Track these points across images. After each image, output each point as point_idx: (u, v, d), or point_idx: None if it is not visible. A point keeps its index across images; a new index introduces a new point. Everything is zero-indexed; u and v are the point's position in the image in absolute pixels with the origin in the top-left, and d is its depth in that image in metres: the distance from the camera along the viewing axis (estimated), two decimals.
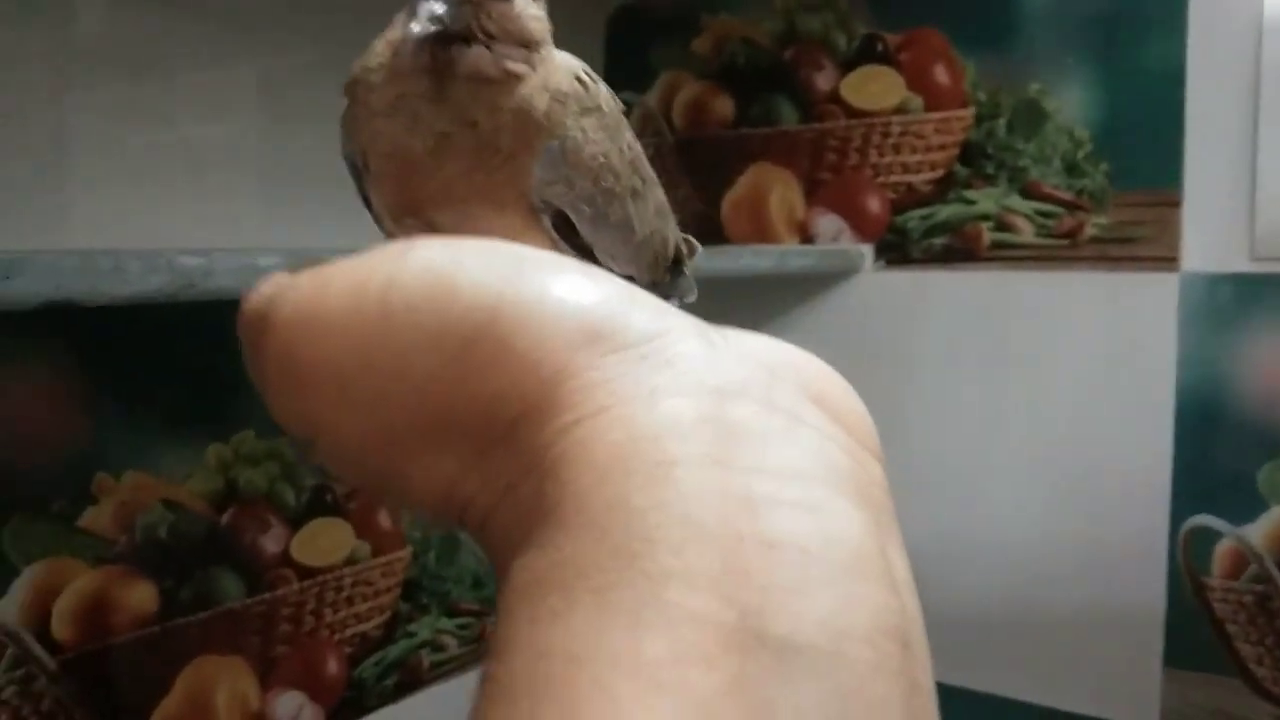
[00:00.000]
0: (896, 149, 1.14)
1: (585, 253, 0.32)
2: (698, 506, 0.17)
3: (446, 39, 0.30)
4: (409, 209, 0.31)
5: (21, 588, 0.83)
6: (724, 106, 1.27)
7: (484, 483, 0.21)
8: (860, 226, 1.18)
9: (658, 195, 0.34)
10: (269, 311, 0.24)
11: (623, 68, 1.38)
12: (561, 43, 1.25)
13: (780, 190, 1.23)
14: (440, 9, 0.29)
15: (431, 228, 0.31)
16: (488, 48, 0.30)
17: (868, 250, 1.17)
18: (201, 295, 0.51)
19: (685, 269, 0.38)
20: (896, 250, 1.15)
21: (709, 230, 1.30)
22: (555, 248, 0.31)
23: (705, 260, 0.96)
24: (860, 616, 0.17)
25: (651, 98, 1.34)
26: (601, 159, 0.31)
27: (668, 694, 0.15)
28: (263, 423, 0.96)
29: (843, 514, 0.19)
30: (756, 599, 0.16)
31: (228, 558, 0.95)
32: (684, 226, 1.28)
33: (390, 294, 0.22)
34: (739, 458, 0.18)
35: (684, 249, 0.36)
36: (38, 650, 0.84)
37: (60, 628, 0.85)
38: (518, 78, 0.30)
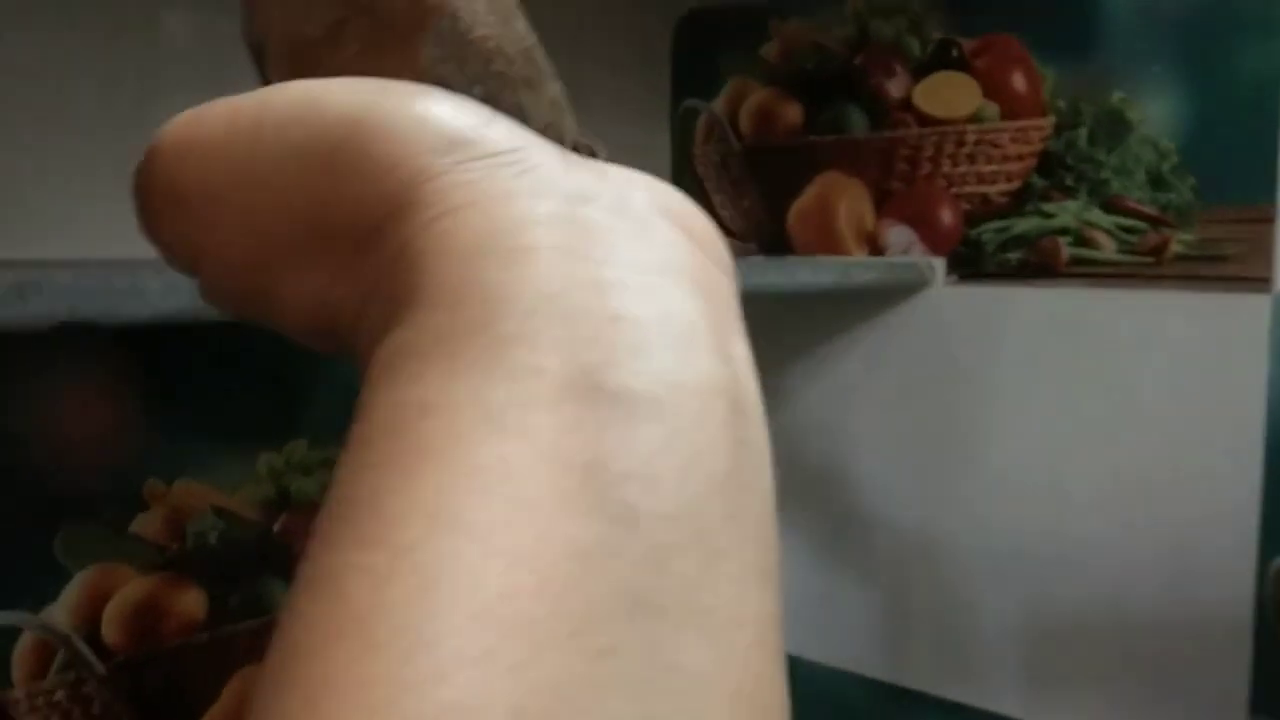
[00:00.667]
0: (971, 159, 1.10)
1: None
2: (548, 284, 0.19)
3: None
4: None
5: (72, 592, 0.84)
6: (792, 113, 1.24)
7: (352, 286, 0.22)
8: (932, 239, 1.13)
9: (553, 89, 0.33)
10: (152, 151, 0.25)
11: (690, 74, 1.35)
12: (628, 48, 1.24)
13: (849, 200, 1.19)
14: None
15: None
16: None
17: (939, 264, 1.12)
18: (225, 316, 0.49)
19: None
20: (970, 264, 1.10)
21: (775, 240, 1.26)
22: None
23: (775, 273, 0.93)
24: (691, 375, 0.19)
25: (718, 104, 1.31)
26: (492, 42, 0.30)
27: (511, 434, 0.17)
28: (316, 431, 0.95)
29: (682, 298, 0.20)
30: (597, 357, 0.18)
31: (279, 566, 0.95)
32: (749, 236, 1.26)
33: (262, 116, 0.23)
34: (590, 250, 0.20)
35: (587, 148, 0.31)
36: (88, 654, 0.85)
37: (110, 633, 0.86)
38: None
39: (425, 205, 0.21)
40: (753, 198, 1.28)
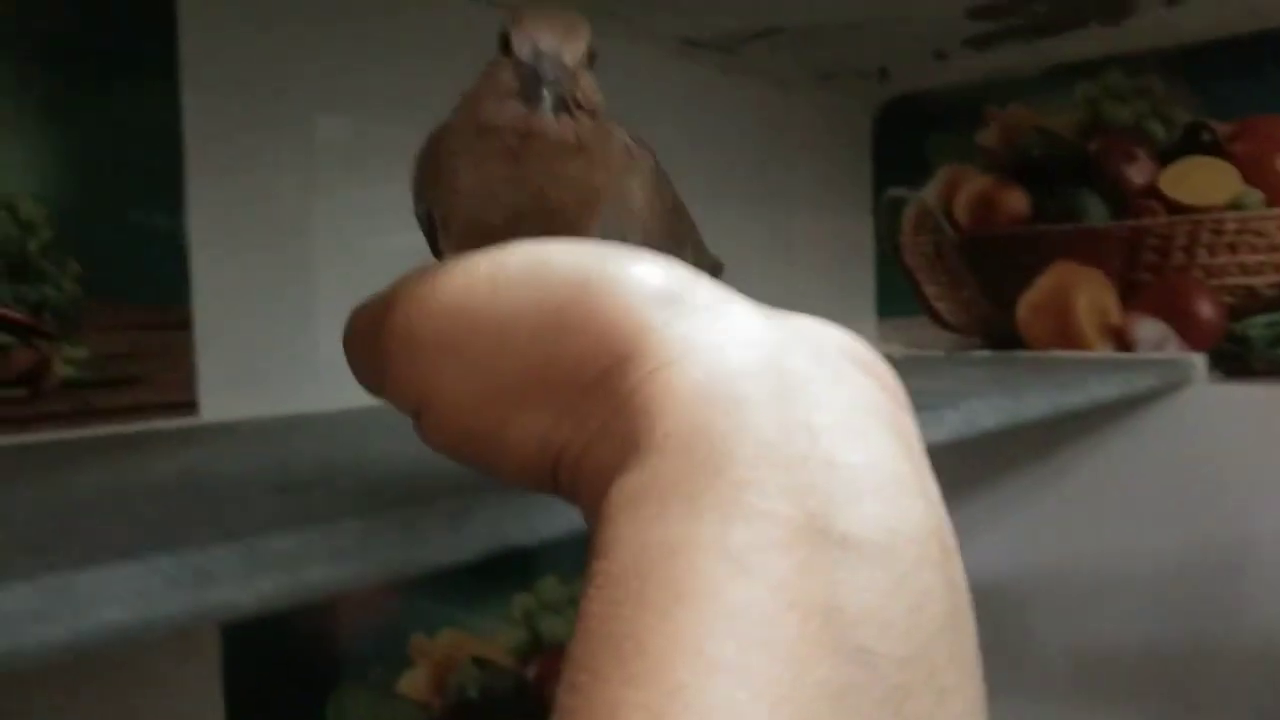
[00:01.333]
0: (1232, 248, 1.02)
1: None
2: (769, 432, 0.21)
3: (558, 107, 0.32)
4: None
5: None
6: (1017, 202, 1.18)
7: (577, 428, 0.25)
8: (1189, 334, 1.06)
9: (695, 236, 0.39)
10: (392, 301, 0.28)
11: (894, 161, 1.30)
12: (829, 136, 1.20)
13: (1089, 292, 1.12)
14: (550, 79, 0.31)
15: None
16: (573, 116, 0.32)
17: (1200, 360, 1.05)
18: None
19: None
20: (1236, 360, 1.03)
21: (1001, 334, 1.20)
22: None
23: (1061, 390, 0.85)
24: (906, 519, 0.20)
25: (929, 193, 1.26)
26: (645, 213, 0.35)
27: (752, 574, 0.18)
28: (562, 568, 0.92)
29: (884, 442, 0.22)
30: (821, 504, 0.20)
31: (534, 716, 0.92)
32: (971, 329, 1.20)
33: (496, 275, 0.26)
34: (798, 396, 0.22)
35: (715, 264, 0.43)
36: None
37: None
38: (586, 148, 0.33)
39: (648, 356, 0.23)
40: (973, 289, 1.22)
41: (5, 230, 0.62)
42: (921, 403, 0.66)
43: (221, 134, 0.72)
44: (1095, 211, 1.12)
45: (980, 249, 1.22)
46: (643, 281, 0.25)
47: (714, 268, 0.44)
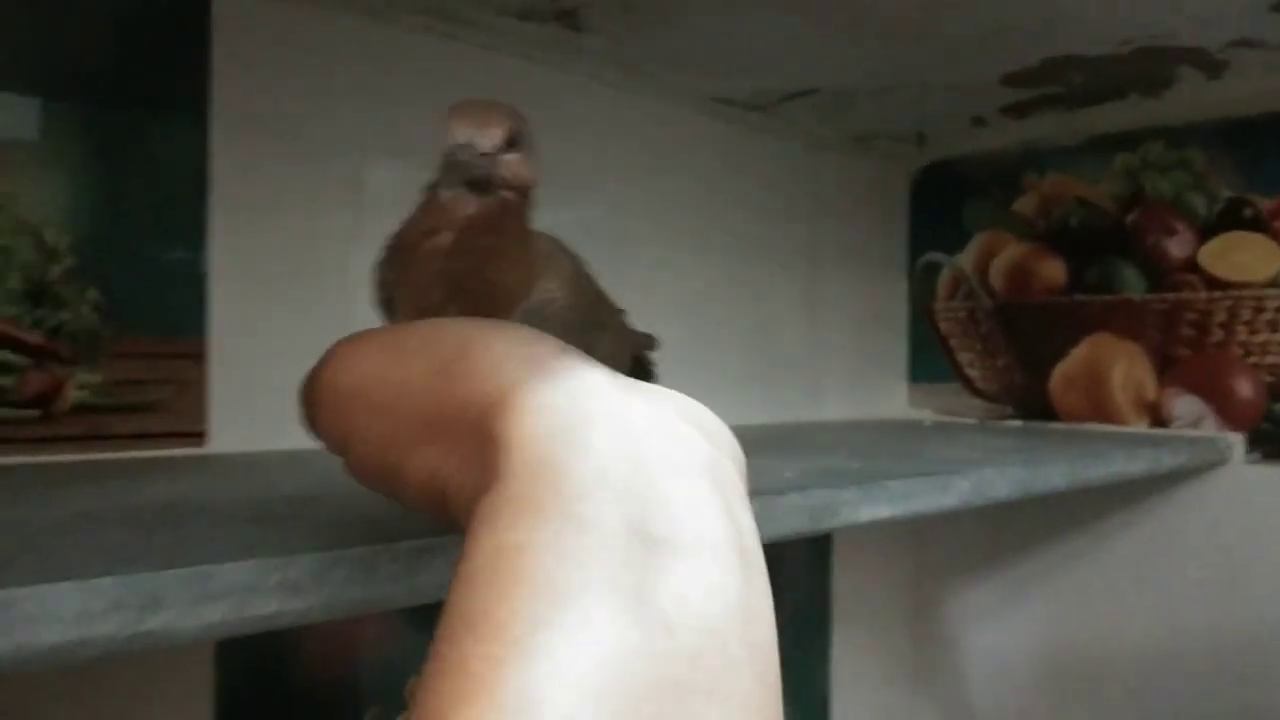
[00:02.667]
0: (1273, 326, 1.00)
1: None
2: (602, 462, 0.26)
3: (476, 187, 0.39)
4: None
5: None
6: (1054, 271, 1.16)
7: (459, 462, 0.30)
8: (1228, 412, 1.03)
9: (616, 322, 0.44)
10: (324, 359, 0.35)
11: (929, 226, 1.29)
12: (863, 198, 1.19)
13: (1124, 365, 1.10)
14: (473, 166, 0.38)
15: None
16: (499, 193, 0.39)
17: (1237, 440, 1.02)
18: None
19: (652, 369, 0.49)
20: (1275, 442, 1.00)
21: (1034, 404, 1.18)
22: None
23: (1090, 463, 0.83)
24: (708, 531, 0.25)
25: (965, 259, 1.25)
26: (562, 305, 0.40)
27: (583, 565, 0.23)
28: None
29: (698, 475, 0.27)
30: (640, 515, 0.25)
31: None
32: (1003, 398, 1.18)
33: (403, 340, 0.33)
34: (634, 440, 0.27)
35: (643, 347, 0.49)
36: None
37: None
38: (512, 238, 0.40)
39: (512, 405, 0.28)
40: (1007, 357, 1.20)
41: (28, 255, 0.64)
42: (934, 469, 0.65)
43: (247, 174, 0.73)
44: (1133, 283, 1.10)
45: (1015, 317, 1.20)
46: (511, 348, 0.31)
47: (645, 342, 0.49)
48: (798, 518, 0.55)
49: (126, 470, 0.62)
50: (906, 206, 1.32)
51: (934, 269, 1.28)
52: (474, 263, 0.38)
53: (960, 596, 1.25)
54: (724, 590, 0.24)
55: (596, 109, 0.97)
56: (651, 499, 0.25)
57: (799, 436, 0.96)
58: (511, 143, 0.38)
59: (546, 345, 0.31)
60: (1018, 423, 1.19)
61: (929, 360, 1.29)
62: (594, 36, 0.87)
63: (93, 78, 0.67)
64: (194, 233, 0.71)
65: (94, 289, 0.67)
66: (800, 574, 1.16)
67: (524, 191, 0.39)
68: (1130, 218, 1.10)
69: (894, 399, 1.31)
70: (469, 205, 0.38)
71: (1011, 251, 1.20)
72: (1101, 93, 1.05)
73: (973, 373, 1.24)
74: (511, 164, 0.38)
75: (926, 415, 1.29)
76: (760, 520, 0.52)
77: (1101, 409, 1.12)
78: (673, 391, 0.31)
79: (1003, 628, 1.20)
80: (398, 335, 0.34)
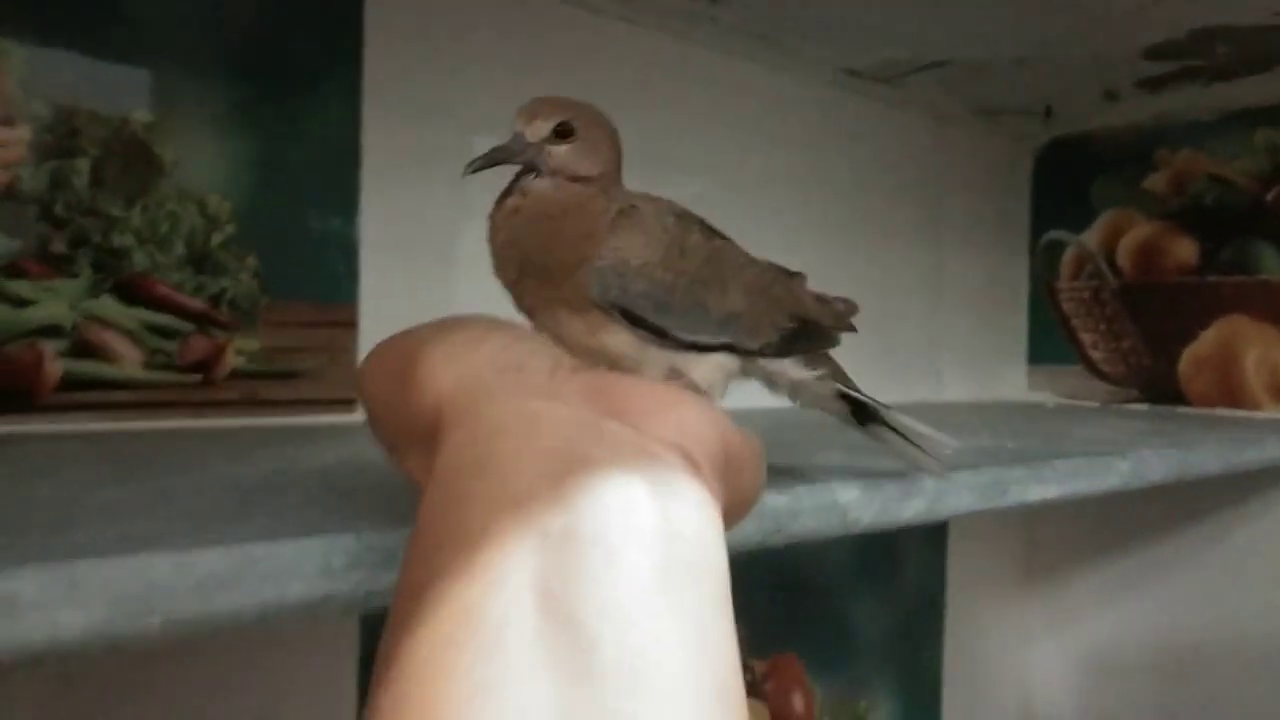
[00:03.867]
0: None
1: (663, 333, 0.41)
2: (542, 459, 0.27)
3: (519, 175, 0.41)
4: (525, 314, 0.42)
5: None
6: (1185, 250, 1.13)
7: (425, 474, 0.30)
8: None
9: (746, 278, 0.43)
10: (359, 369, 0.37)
11: (1053, 203, 1.26)
12: (986, 173, 1.16)
13: (1260, 349, 1.06)
14: (515, 154, 0.41)
15: (543, 327, 0.41)
16: (551, 179, 0.41)
17: None
18: (789, 539, 0.45)
19: (824, 334, 0.47)
20: None
21: (1161, 388, 1.15)
22: (630, 334, 0.40)
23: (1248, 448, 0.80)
24: (630, 521, 0.25)
25: (1090, 237, 1.21)
26: (652, 265, 0.40)
27: (506, 552, 0.24)
28: None
29: (628, 472, 0.27)
30: (544, 507, 0.25)
31: None
32: (1128, 380, 1.15)
33: (389, 350, 0.34)
34: (564, 436, 0.28)
35: (819, 311, 0.47)
36: None
37: None
38: (567, 212, 0.40)
39: (440, 434, 0.30)
40: (1133, 339, 1.17)
41: (193, 222, 0.65)
42: (1090, 450, 0.64)
43: (397, 144, 0.74)
44: (1270, 264, 1.06)
45: (1143, 298, 1.16)
46: (446, 360, 0.31)
47: (828, 308, 0.48)
48: (968, 496, 0.54)
49: (290, 437, 0.63)
50: (1029, 183, 1.28)
51: (1057, 247, 1.25)
52: (535, 241, 0.40)
53: (1071, 583, 1.22)
54: (634, 563, 0.25)
55: (724, 81, 0.96)
56: (563, 500, 0.25)
57: (930, 417, 0.94)
58: (563, 134, 0.41)
59: (487, 347, 0.32)
60: (1143, 406, 1.16)
61: (1050, 342, 1.26)
62: (729, 7, 0.86)
63: (251, 51, 0.68)
64: (347, 202, 0.72)
65: (253, 256, 0.68)
66: (916, 557, 1.15)
67: (579, 178, 0.41)
68: (1270, 196, 1.06)
69: (1013, 381, 1.28)
70: (527, 190, 0.41)
71: (1140, 230, 1.17)
72: (1244, 66, 1.01)
73: (1096, 355, 1.21)
74: (558, 154, 0.41)
75: (1048, 398, 1.26)
76: (930, 496, 0.51)
77: (1234, 394, 1.08)
78: (618, 376, 0.32)
79: (1114, 615, 1.17)
80: (390, 345, 0.35)
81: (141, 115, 0.64)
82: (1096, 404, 1.20)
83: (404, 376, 0.32)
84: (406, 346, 0.33)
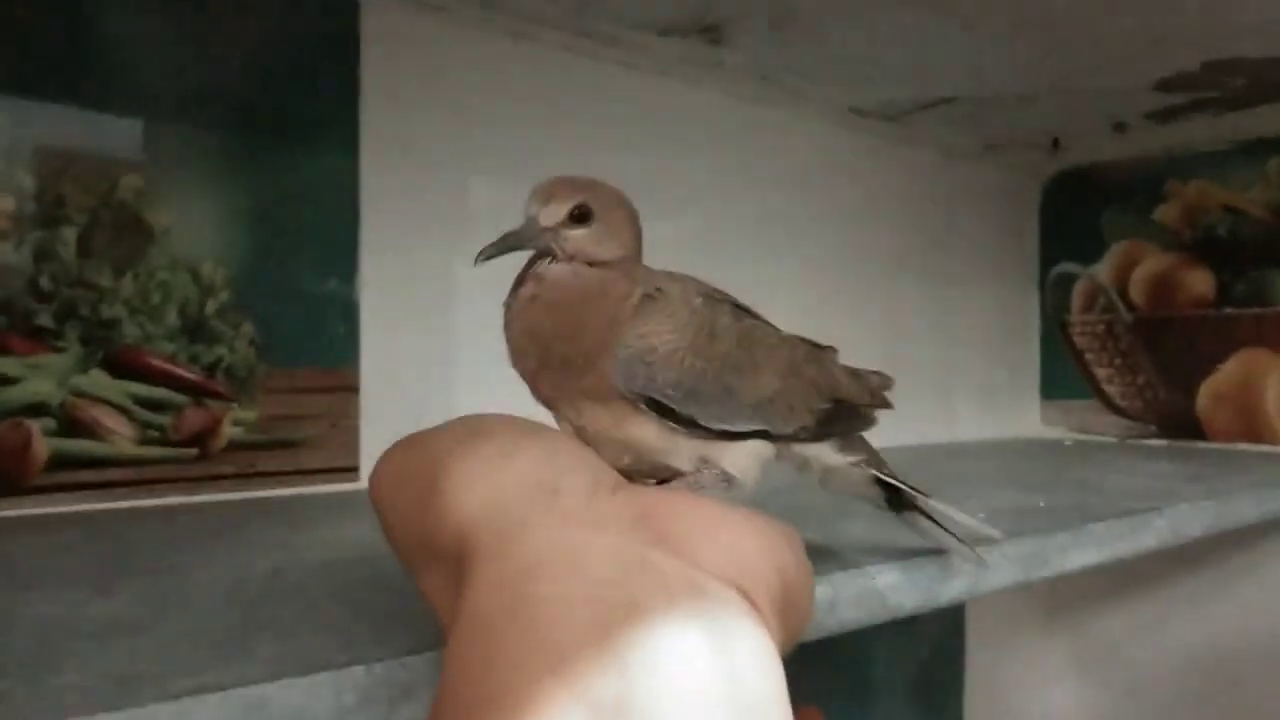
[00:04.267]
0: None
1: (692, 422, 0.38)
2: (578, 612, 0.24)
3: (535, 259, 0.39)
4: (545, 404, 0.39)
5: None
6: (1200, 283, 1.11)
7: (444, 602, 0.28)
8: None
9: (778, 359, 0.41)
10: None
11: (1063, 236, 1.24)
12: (994, 206, 1.14)
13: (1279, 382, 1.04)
14: (529, 239, 0.38)
15: (564, 418, 0.39)
16: (569, 265, 0.38)
17: None
18: (825, 633, 0.42)
19: (860, 404, 0.44)
20: None
21: (1178, 423, 1.12)
22: (657, 425, 0.38)
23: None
24: (680, 684, 0.23)
25: (1101, 270, 1.19)
26: (681, 352, 0.37)
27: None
28: None
29: (678, 619, 0.24)
30: (593, 670, 0.22)
31: None
32: (1145, 416, 1.13)
33: (405, 458, 0.32)
34: (601, 586, 0.25)
35: (854, 390, 0.44)
36: None
37: None
38: (588, 299, 0.38)
39: (467, 572, 0.26)
40: (1149, 374, 1.15)
41: (186, 291, 0.63)
42: (1130, 508, 0.61)
43: (397, 200, 0.71)
44: None
45: (1158, 331, 1.14)
46: (473, 480, 0.28)
47: (862, 384, 0.45)
48: (1009, 570, 0.51)
49: (291, 513, 0.60)
50: (1037, 215, 1.26)
51: (1068, 280, 1.23)
52: (555, 329, 0.37)
53: (1094, 622, 1.19)
54: None
55: (728, 123, 0.94)
56: (587, 643, 0.23)
57: (949, 464, 0.92)
58: (579, 218, 0.38)
59: (517, 463, 0.29)
60: (1162, 442, 1.14)
61: (1063, 376, 1.24)
62: (734, 51, 0.84)
63: (249, 109, 0.66)
64: (346, 261, 0.69)
65: (249, 323, 0.65)
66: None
67: (597, 263, 0.38)
68: None
69: (1026, 417, 1.26)
70: (543, 276, 0.38)
71: (1153, 262, 1.15)
72: (1259, 95, 1.00)
73: (1110, 389, 1.19)
74: (575, 239, 0.38)
75: (1063, 434, 1.23)
76: (972, 574, 0.48)
77: (1255, 428, 1.06)
78: (668, 495, 0.29)
79: (1139, 654, 1.14)
80: (407, 452, 0.32)
81: (131, 181, 0.61)
82: (1113, 439, 1.18)
83: (423, 493, 0.29)
84: (426, 458, 0.30)
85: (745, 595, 0.26)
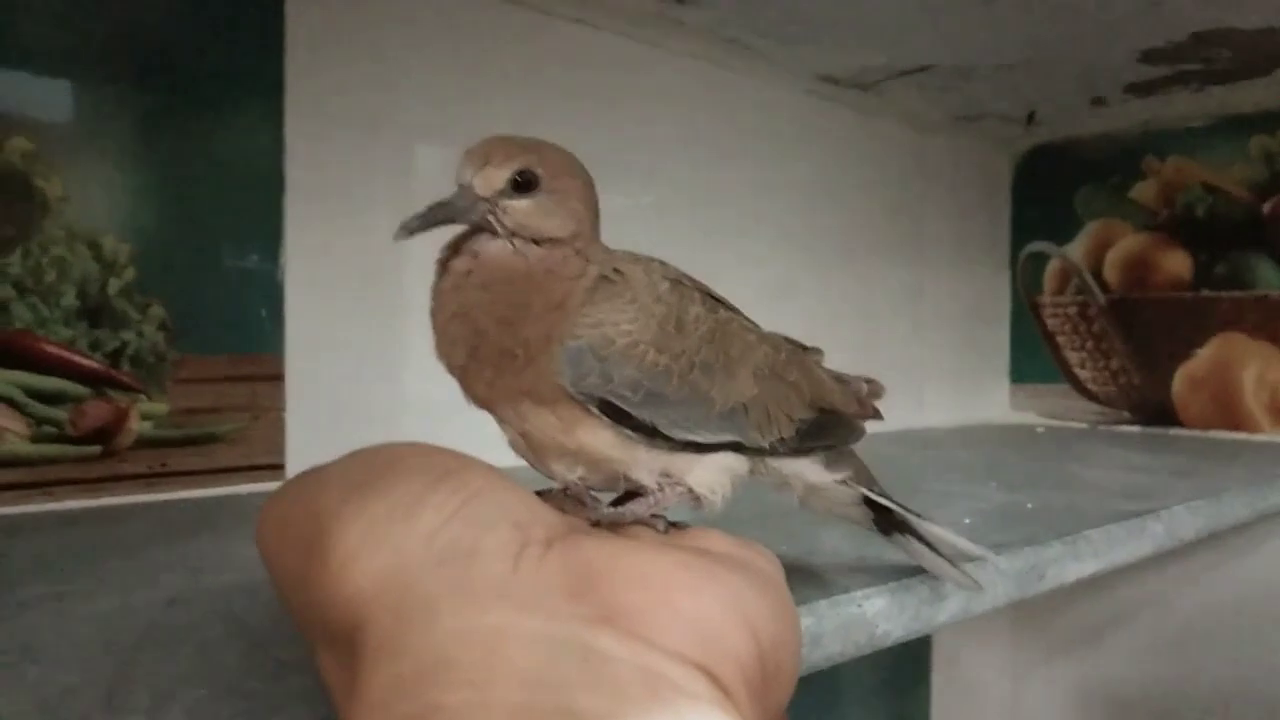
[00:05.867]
0: None
1: (653, 430, 0.32)
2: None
3: (471, 233, 0.33)
4: (480, 406, 0.33)
5: None
6: (1177, 264, 1.07)
7: (338, 689, 0.23)
8: None
9: (756, 359, 0.35)
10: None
11: (1036, 213, 1.20)
12: (964, 182, 1.09)
13: (1258, 367, 1.00)
14: (462, 210, 0.32)
15: (505, 422, 0.34)
16: (510, 242, 0.32)
17: None
18: (809, 669, 0.37)
19: (845, 425, 0.38)
20: None
21: (1152, 409, 1.09)
22: (613, 432, 0.32)
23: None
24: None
25: (1074, 249, 1.15)
26: (642, 347, 0.32)
27: None
28: None
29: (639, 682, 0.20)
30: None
31: None
32: (1118, 402, 1.09)
33: (281, 514, 0.26)
34: (520, 691, 0.19)
35: (841, 398, 0.38)
36: None
37: None
38: (532, 278, 0.32)
39: (377, 623, 0.21)
40: (1122, 357, 1.11)
41: (85, 268, 0.56)
42: (1124, 511, 0.56)
43: (324, 170, 0.65)
44: (1268, 278, 1.00)
45: (1132, 313, 1.10)
46: (364, 541, 0.23)
47: (849, 390, 0.39)
48: (1004, 588, 0.46)
49: (204, 519, 0.54)
50: (1010, 192, 1.22)
51: (1040, 260, 1.19)
52: (491, 313, 0.31)
53: (1063, 616, 1.16)
54: None
55: (690, 88, 0.88)
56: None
57: (923, 454, 0.87)
58: (522, 186, 0.32)
59: (423, 521, 0.23)
60: (1135, 428, 1.10)
61: (1033, 359, 1.20)
62: (699, 9, 0.78)
63: (157, 63, 0.58)
64: (268, 235, 0.62)
65: (158, 305, 0.58)
66: None
67: (545, 240, 0.32)
68: (1267, 206, 1.01)
69: (995, 401, 1.21)
70: (479, 252, 0.32)
71: (1129, 242, 1.11)
72: (1243, 70, 0.95)
73: (1082, 373, 1.15)
74: (517, 211, 0.32)
75: (1033, 420, 1.19)
76: (965, 594, 0.43)
77: (1232, 415, 1.02)
78: (614, 558, 0.23)
79: (1107, 649, 1.11)
80: (294, 499, 0.26)
81: (20, 143, 0.54)
82: (1085, 425, 1.14)
83: (309, 558, 0.23)
84: (312, 512, 0.24)
85: (715, 681, 0.21)
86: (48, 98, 0.55)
